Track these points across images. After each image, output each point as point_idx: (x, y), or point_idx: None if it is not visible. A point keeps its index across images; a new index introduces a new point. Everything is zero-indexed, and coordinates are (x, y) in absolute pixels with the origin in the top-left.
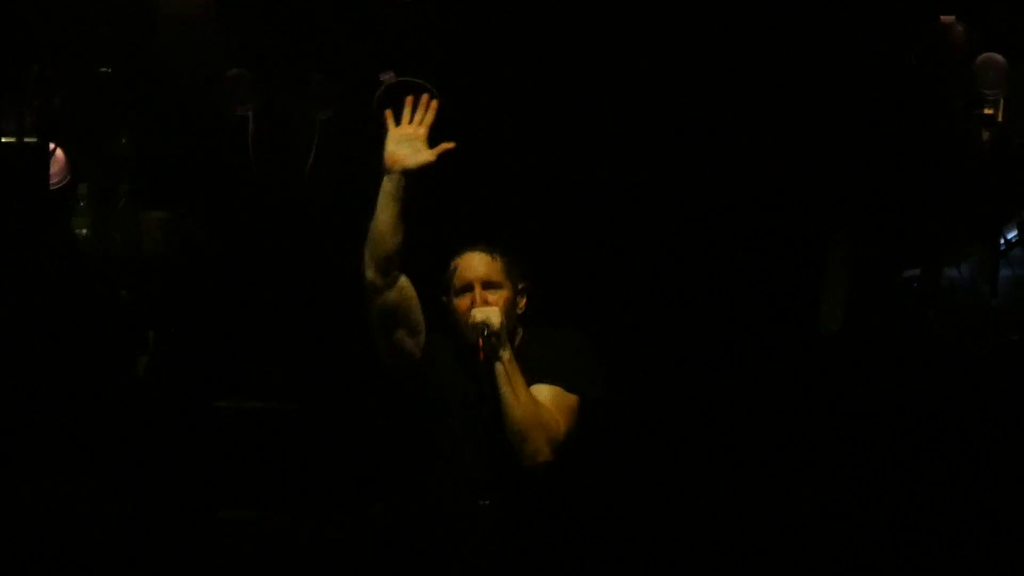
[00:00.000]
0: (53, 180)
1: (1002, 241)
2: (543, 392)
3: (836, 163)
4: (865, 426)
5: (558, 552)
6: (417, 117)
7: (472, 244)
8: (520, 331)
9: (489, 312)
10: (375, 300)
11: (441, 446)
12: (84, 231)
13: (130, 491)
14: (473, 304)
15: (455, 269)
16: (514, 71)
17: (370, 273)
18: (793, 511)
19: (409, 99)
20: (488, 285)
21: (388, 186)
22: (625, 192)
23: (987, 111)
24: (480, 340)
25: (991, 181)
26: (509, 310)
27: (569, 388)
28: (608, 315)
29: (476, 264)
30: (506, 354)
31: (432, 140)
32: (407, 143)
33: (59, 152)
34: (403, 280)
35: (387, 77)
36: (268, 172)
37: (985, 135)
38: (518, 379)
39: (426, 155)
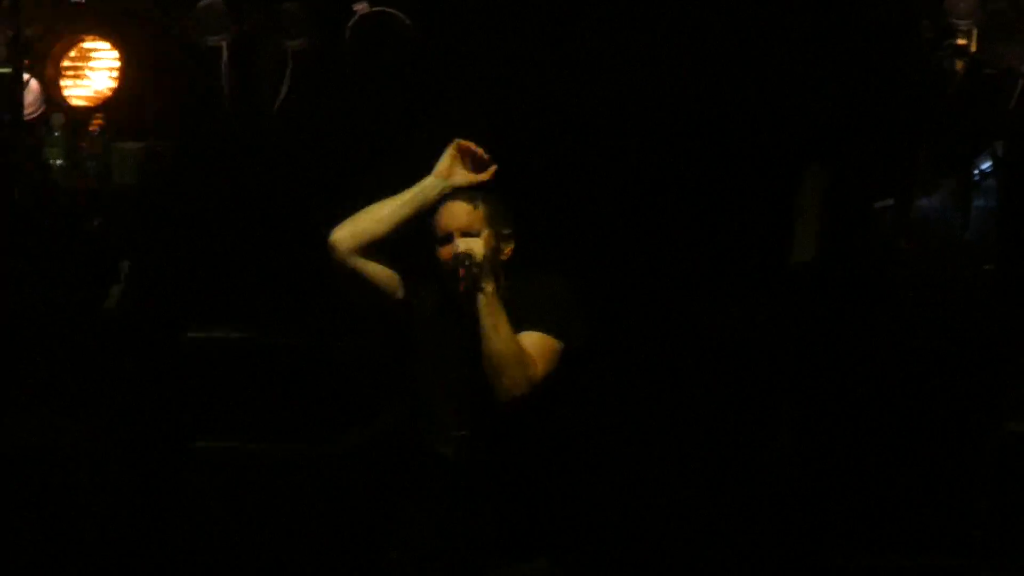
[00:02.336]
0: (27, 110)
1: (975, 172)
2: (525, 337)
3: (808, 94)
4: (838, 358)
5: (531, 490)
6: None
7: (454, 192)
8: (503, 279)
9: (473, 243)
10: (333, 259)
11: (417, 379)
12: (58, 161)
13: (103, 424)
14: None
15: (437, 218)
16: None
17: (339, 235)
18: (769, 444)
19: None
20: (468, 235)
21: (430, 190)
22: (603, 127)
23: (960, 41)
24: (461, 270)
25: (964, 112)
26: (492, 255)
27: (552, 333)
28: (584, 251)
29: (457, 213)
30: (489, 286)
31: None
32: (461, 164)
33: (33, 82)
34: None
35: (361, 7)
36: (241, 102)
37: (958, 65)
38: (500, 313)
39: (475, 176)
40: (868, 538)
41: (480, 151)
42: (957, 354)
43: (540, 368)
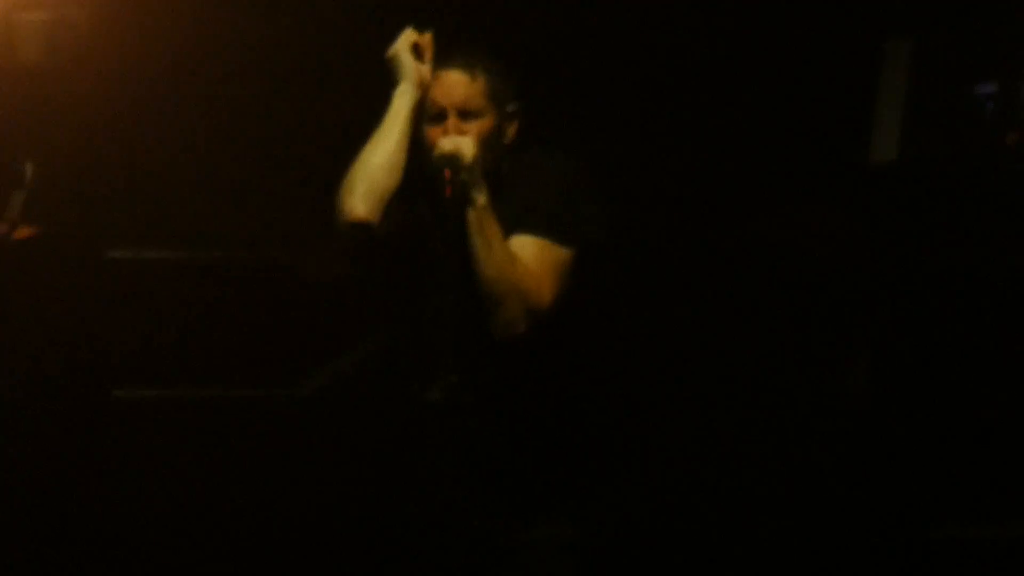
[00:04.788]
0: None
1: None
2: (527, 247)
3: None
4: (927, 281)
5: (537, 443)
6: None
7: (448, 62)
8: (506, 163)
9: (461, 142)
10: (361, 236)
11: (400, 305)
12: None
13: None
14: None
15: (429, 92)
16: None
17: (362, 207)
18: (837, 390)
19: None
20: (465, 114)
21: (412, 100)
22: None
23: None
24: (447, 172)
25: None
26: (492, 142)
27: (559, 239)
28: (617, 139)
29: (452, 85)
30: (480, 198)
31: None
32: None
33: None
34: None
35: None
36: None
37: None
38: (493, 230)
39: (427, 57)
40: (967, 510)
41: (422, 37)
42: None
43: (546, 293)
